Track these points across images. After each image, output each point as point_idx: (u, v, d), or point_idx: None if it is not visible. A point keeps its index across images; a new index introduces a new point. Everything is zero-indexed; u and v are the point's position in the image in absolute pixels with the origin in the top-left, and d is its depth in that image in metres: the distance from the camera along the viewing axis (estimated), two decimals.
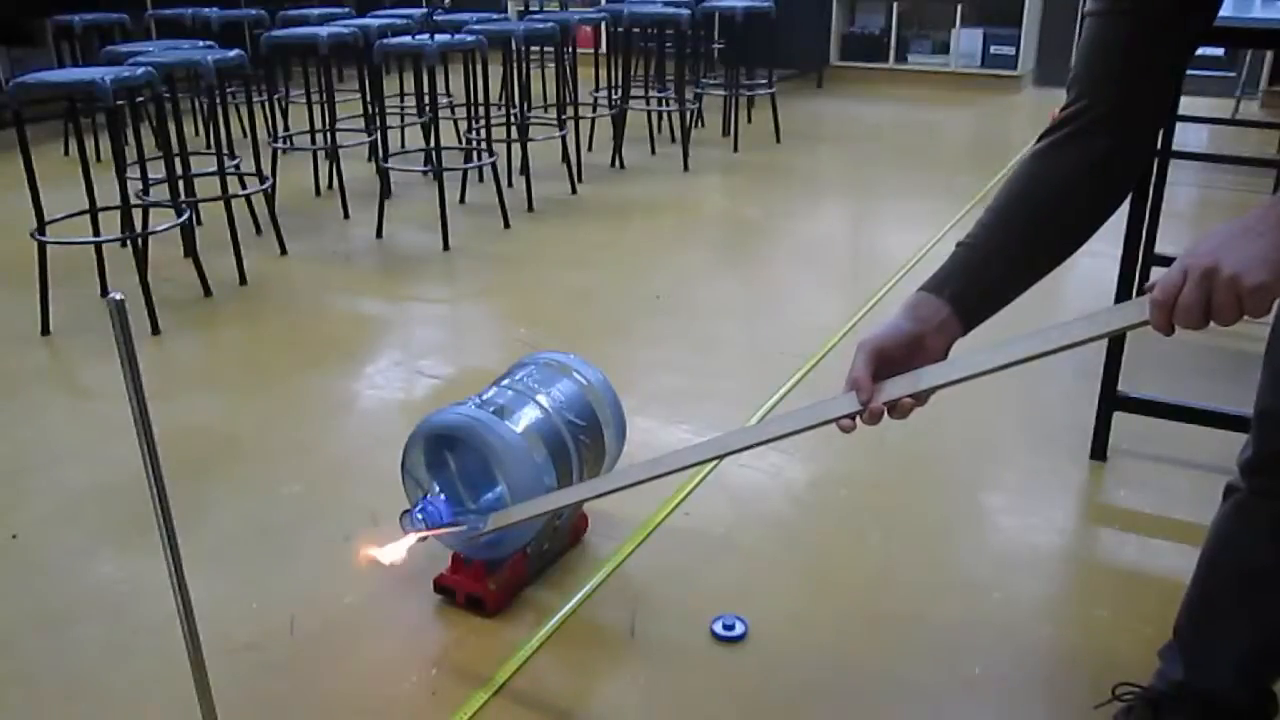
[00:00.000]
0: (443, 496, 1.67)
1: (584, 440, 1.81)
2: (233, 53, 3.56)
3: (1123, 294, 2.07)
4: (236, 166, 4.05)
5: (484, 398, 1.80)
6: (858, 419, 1.07)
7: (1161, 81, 1.07)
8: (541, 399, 1.79)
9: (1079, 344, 0.97)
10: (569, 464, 1.77)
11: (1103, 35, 1.06)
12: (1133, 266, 2.06)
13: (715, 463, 2.23)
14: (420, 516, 1.62)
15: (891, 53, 7.34)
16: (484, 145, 4.41)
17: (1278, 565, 1.24)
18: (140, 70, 3.03)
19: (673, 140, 5.42)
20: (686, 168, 4.94)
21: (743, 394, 2.56)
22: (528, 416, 1.75)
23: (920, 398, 1.05)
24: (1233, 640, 1.31)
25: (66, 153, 5.16)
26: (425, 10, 5.03)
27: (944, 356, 1.08)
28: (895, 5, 7.24)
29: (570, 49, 4.94)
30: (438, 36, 3.84)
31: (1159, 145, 2.07)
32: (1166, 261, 3.07)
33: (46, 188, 3.01)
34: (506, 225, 4.02)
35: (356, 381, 2.72)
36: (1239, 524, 1.28)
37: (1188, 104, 3.01)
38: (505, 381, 1.87)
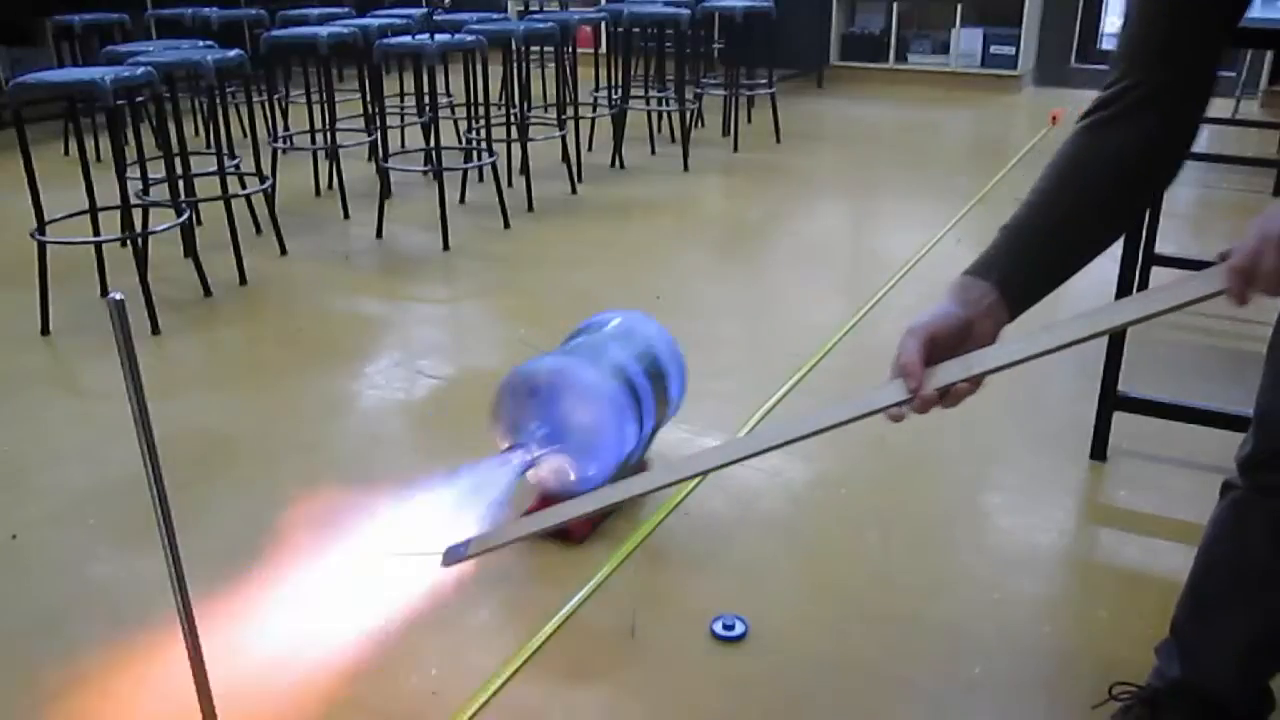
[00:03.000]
0: (540, 434, 1.82)
1: (653, 386, 1.99)
2: (233, 52, 3.56)
3: (1123, 294, 2.07)
4: (236, 166, 4.05)
5: (565, 349, 1.99)
6: (907, 408, 1.03)
7: (1207, 58, 1.05)
8: (615, 350, 1.98)
9: (1155, 316, 0.92)
10: (641, 408, 1.93)
11: (1147, 13, 1.05)
12: (1133, 266, 2.06)
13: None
14: (524, 455, 1.79)
15: (891, 52, 7.34)
16: (484, 145, 4.41)
17: (1274, 562, 1.24)
18: (140, 70, 3.03)
19: (673, 140, 5.42)
20: (686, 168, 4.94)
21: (743, 394, 2.56)
22: (606, 363, 1.93)
23: (975, 382, 1.01)
24: (1230, 637, 1.31)
25: (66, 153, 5.16)
26: (425, 10, 5.03)
27: (992, 343, 1.04)
28: (895, 5, 7.24)
29: (570, 49, 4.94)
30: (438, 36, 3.84)
31: None
32: (1166, 261, 3.09)
33: (46, 188, 3.01)
34: (506, 225, 4.02)
35: (356, 381, 2.72)
36: (1236, 521, 1.28)
37: None
38: (580, 337, 2.05)
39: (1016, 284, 1.05)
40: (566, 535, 1.92)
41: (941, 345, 1.02)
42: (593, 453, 1.84)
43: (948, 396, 1.01)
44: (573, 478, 1.85)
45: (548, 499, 1.88)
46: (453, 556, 1.46)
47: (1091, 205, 1.07)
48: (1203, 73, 1.06)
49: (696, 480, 2.15)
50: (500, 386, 1.90)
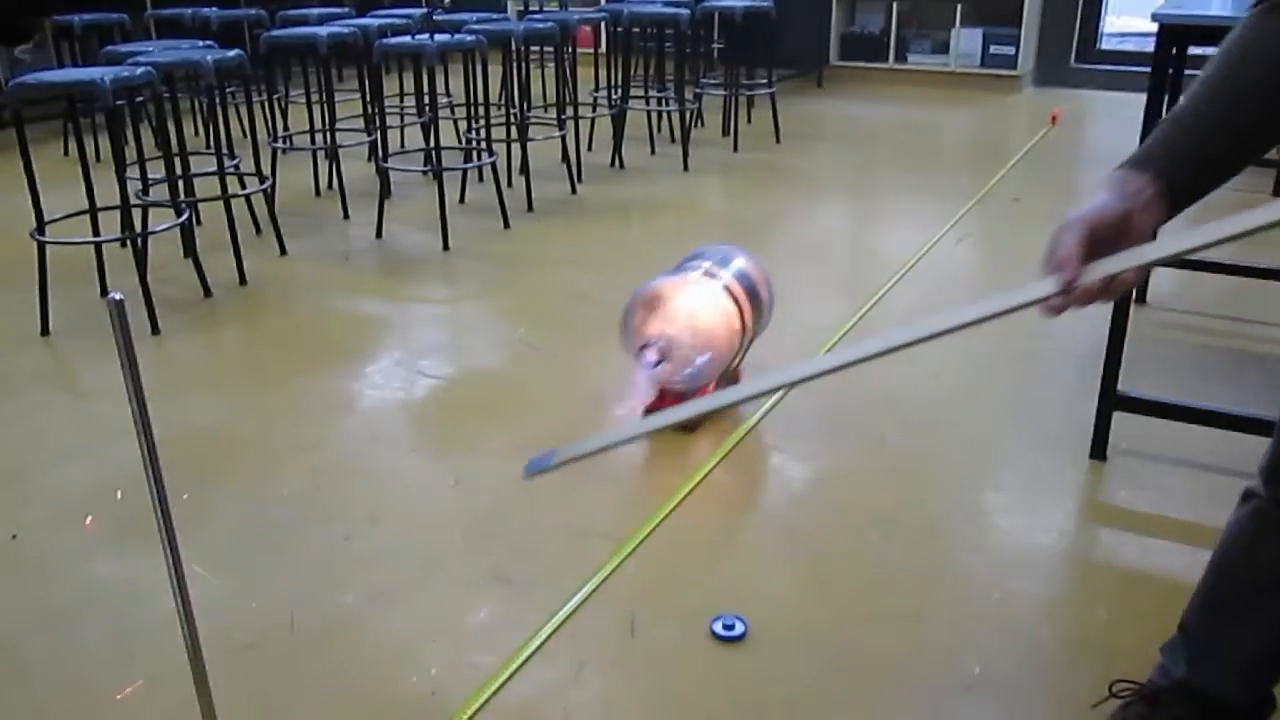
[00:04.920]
0: (663, 341, 2.21)
1: (750, 300, 2.41)
2: (232, 53, 3.56)
3: (1122, 294, 2.07)
4: (236, 166, 4.05)
5: (677, 269, 2.44)
6: (1062, 301, 0.93)
7: None
8: (722, 272, 2.41)
9: None
10: (744, 319, 2.36)
11: None
12: None
13: (721, 459, 2.23)
14: (655, 357, 2.20)
15: (891, 52, 7.34)
16: (484, 145, 4.41)
17: None
18: (140, 70, 3.03)
19: (672, 140, 5.42)
20: (686, 168, 4.94)
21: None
22: (714, 283, 2.36)
23: (1137, 273, 0.93)
24: (1238, 643, 1.31)
25: (66, 153, 5.16)
26: (425, 10, 5.03)
27: (1150, 240, 0.95)
28: (895, 5, 7.23)
29: (570, 49, 4.94)
30: (438, 36, 3.84)
31: None
32: (1166, 261, 3.08)
33: (46, 188, 3.01)
34: (506, 225, 4.02)
35: (356, 381, 2.72)
36: (1255, 530, 1.26)
37: None
38: (691, 263, 2.47)
39: (1177, 176, 0.98)
40: (686, 427, 2.32)
41: (1099, 240, 0.94)
42: (706, 350, 2.23)
43: (1110, 288, 0.93)
44: (690, 371, 2.23)
45: (665, 395, 2.27)
46: (536, 468, 1.37)
47: (1262, 94, 0.99)
48: None
49: (697, 480, 2.15)
50: (629, 301, 2.30)
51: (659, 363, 2.21)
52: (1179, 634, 1.39)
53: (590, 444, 1.32)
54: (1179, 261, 3.04)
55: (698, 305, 2.27)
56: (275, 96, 5.09)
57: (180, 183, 3.41)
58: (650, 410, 2.27)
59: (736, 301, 2.35)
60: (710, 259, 2.47)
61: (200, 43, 4.21)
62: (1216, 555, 1.33)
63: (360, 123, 4.76)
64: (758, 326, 2.47)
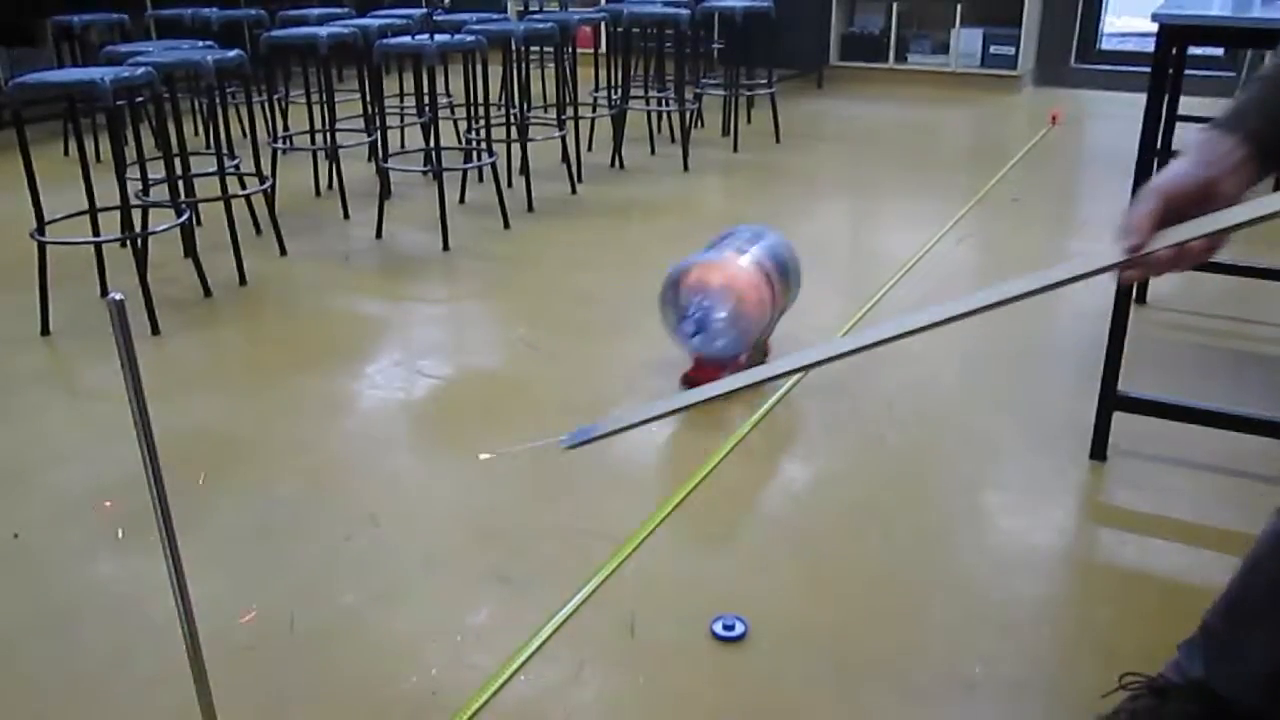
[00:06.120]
0: (702, 310, 2.42)
1: (780, 275, 2.61)
2: (232, 53, 3.56)
3: (1122, 294, 2.07)
4: (236, 167, 4.05)
5: (712, 246, 2.64)
6: (1132, 270, 0.91)
7: None
8: (751, 251, 2.59)
9: None
10: (771, 294, 2.53)
11: None
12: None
13: (722, 459, 2.23)
14: (692, 328, 2.43)
15: (891, 53, 7.34)
16: (484, 145, 4.41)
17: None
18: (140, 70, 3.03)
19: (672, 140, 5.42)
20: (686, 168, 4.94)
21: (743, 393, 2.56)
22: (745, 259, 2.55)
23: (1213, 242, 0.89)
24: (1262, 654, 1.29)
25: (66, 153, 5.16)
26: (425, 10, 5.03)
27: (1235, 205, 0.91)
28: (895, 5, 7.23)
29: (570, 49, 4.94)
30: (438, 36, 3.84)
31: (1159, 145, 2.07)
32: None
33: (46, 188, 3.01)
34: (506, 225, 4.02)
35: (356, 381, 2.72)
36: None
37: (1188, 104, 3.00)
38: (724, 240, 2.65)
39: (1271, 137, 0.93)
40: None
41: (1177, 209, 0.91)
42: (737, 322, 2.43)
43: (1183, 256, 0.90)
44: (725, 342, 2.44)
45: (701, 363, 2.52)
46: (577, 439, 1.34)
47: None
48: None
49: (697, 480, 2.15)
50: (666, 277, 2.50)
51: (696, 334, 2.42)
52: (1200, 634, 1.37)
53: (630, 416, 1.32)
54: None
55: (731, 280, 2.44)
56: (275, 96, 5.09)
57: (180, 183, 3.41)
58: (688, 381, 2.55)
59: (767, 276, 2.53)
60: (741, 237, 2.64)
61: (200, 43, 4.21)
62: (1247, 562, 1.30)
63: (360, 123, 4.75)
64: (786, 300, 2.68)
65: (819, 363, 1.16)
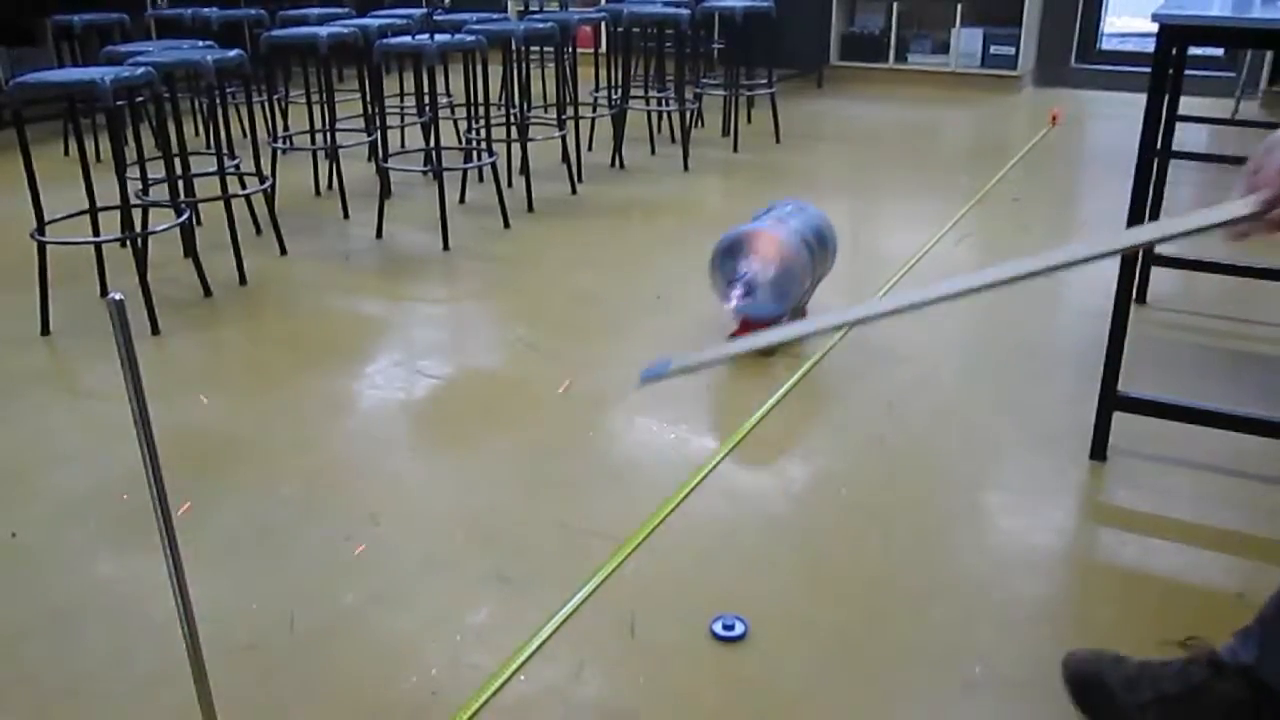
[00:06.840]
0: (751, 274, 2.69)
1: (818, 245, 2.86)
2: (232, 53, 3.56)
3: (1122, 294, 2.07)
4: (236, 166, 4.05)
5: (756, 217, 2.89)
6: (1257, 226, 0.85)
7: None
8: (793, 222, 2.84)
9: None
10: (811, 262, 2.79)
11: None
12: (1132, 267, 2.06)
13: (721, 459, 2.23)
14: (739, 288, 2.69)
15: (891, 52, 7.34)
16: (484, 145, 4.41)
17: None
18: (140, 70, 3.03)
19: (673, 140, 5.42)
20: (686, 168, 4.94)
21: (744, 394, 2.56)
22: (788, 227, 2.79)
23: None
24: None
25: (66, 153, 5.16)
26: (425, 10, 5.03)
27: None
28: (895, 5, 7.23)
29: (570, 49, 4.94)
30: (438, 36, 3.84)
31: (1159, 145, 2.07)
32: (1166, 261, 3.08)
33: (46, 188, 3.01)
34: (506, 225, 4.02)
35: (356, 381, 2.72)
36: None
37: (1188, 104, 3.00)
38: (769, 212, 2.91)
39: None
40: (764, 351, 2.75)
41: None
42: (781, 286, 2.68)
43: None
44: (770, 305, 2.70)
45: (747, 323, 2.76)
46: (652, 376, 1.39)
47: None
48: None
49: (696, 480, 2.15)
50: (716, 246, 2.76)
51: (747, 294, 2.68)
52: (1255, 624, 1.37)
53: (698, 357, 1.42)
54: (1179, 261, 3.05)
55: (777, 248, 2.71)
56: (275, 96, 5.09)
57: (180, 183, 3.41)
58: (736, 336, 2.78)
59: (808, 245, 2.78)
60: (783, 210, 2.91)
61: (200, 43, 4.21)
62: None
63: (360, 123, 4.76)
64: (824, 268, 2.95)
65: (866, 319, 1.20)
